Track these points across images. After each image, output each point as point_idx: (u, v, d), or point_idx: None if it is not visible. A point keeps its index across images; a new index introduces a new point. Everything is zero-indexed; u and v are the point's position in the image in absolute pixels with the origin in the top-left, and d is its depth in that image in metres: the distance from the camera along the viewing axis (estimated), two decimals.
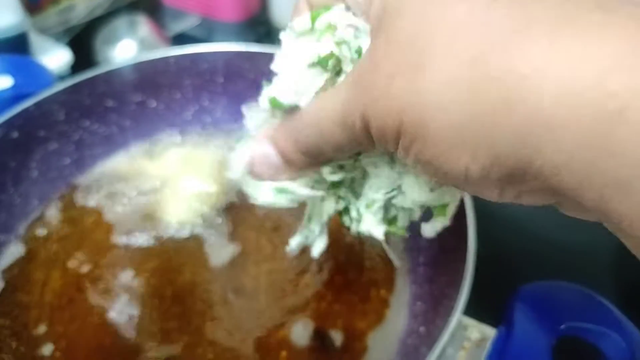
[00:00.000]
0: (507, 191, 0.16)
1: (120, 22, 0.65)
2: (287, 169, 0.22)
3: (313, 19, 0.19)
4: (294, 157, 0.21)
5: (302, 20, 0.20)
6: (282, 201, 0.24)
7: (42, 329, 0.35)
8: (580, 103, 0.13)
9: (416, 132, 0.16)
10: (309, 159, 0.21)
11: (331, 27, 0.19)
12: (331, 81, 0.20)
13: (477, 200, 0.33)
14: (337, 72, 0.20)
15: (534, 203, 0.17)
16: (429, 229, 0.25)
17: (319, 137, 0.19)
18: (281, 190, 0.23)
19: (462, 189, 0.18)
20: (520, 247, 0.39)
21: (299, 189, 0.23)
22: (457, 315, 0.29)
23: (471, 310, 0.30)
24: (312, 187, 0.23)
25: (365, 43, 0.19)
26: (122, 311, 0.36)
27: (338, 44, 0.19)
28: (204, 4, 0.66)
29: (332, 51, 0.19)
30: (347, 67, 0.20)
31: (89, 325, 0.36)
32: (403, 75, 0.16)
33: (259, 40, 0.67)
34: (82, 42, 0.63)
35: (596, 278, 0.29)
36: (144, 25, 0.66)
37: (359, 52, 0.19)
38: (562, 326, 0.28)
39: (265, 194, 0.23)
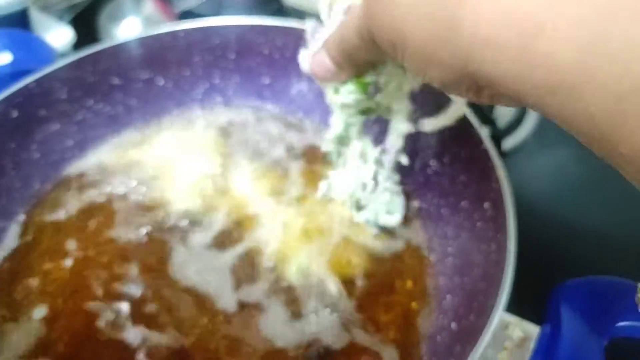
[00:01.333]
0: (479, 95, 0.21)
1: None
2: (338, 71, 0.28)
3: None
4: (340, 60, 0.27)
5: None
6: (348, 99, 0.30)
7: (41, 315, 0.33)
8: (506, 24, 0.16)
9: (401, 47, 0.20)
10: (350, 63, 0.27)
11: None
12: None
13: (516, 191, 0.30)
14: None
15: (501, 104, 0.22)
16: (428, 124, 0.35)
17: (350, 45, 0.25)
18: (336, 90, 0.30)
19: (451, 93, 0.23)
20: (564, 237, 0.36)
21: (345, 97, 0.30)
22: (499, 313, 0.26)
23: (511, 306, 0.27)
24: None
25: None
26: (119, 305, 0.34)
27: None
28: None
29: None
30: None
31: (89, 317, 0.33)
32: (384, 4, 0.20)
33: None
34: (85, 21, 0.60)
35: None
36: (149, 2, 0.63)
37: None
38: (615, 326, 0.26)
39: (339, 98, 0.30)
